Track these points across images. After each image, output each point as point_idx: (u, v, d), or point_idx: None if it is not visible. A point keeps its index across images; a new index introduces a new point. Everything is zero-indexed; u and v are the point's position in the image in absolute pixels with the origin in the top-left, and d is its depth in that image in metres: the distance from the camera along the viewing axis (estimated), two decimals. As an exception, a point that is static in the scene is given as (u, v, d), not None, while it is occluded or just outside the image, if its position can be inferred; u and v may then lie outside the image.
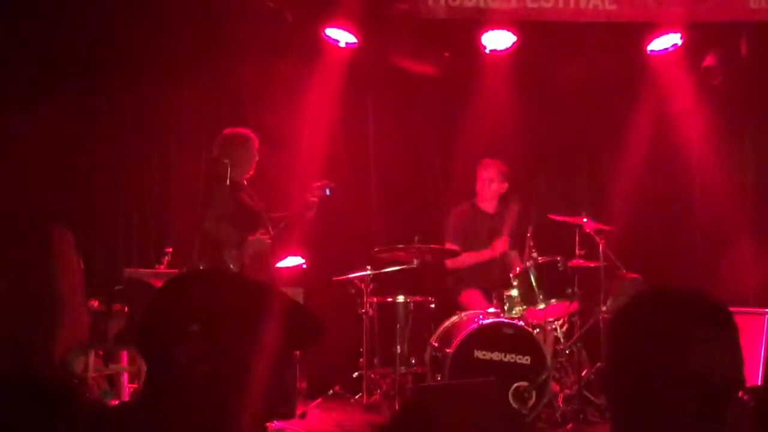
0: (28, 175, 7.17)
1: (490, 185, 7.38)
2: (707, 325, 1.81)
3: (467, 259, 7.24)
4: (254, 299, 2.01)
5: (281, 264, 6.90)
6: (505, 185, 7.43)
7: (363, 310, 6.98)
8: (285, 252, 6.74)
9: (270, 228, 6.14)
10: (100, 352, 6.66)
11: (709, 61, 7.87)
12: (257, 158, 6.24)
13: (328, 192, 6.25)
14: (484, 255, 7.21)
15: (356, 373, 7.12)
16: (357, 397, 7.11)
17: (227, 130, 6.23)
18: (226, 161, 5.98)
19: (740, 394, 1.84)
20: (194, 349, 1.90)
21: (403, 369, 6.82)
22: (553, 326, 6.84)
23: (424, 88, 8.43)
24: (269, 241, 6.05)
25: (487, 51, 8.03)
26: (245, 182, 6.20)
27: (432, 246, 7.05)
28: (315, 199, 6.23)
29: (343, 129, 8.15)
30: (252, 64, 7.85)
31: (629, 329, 1.86)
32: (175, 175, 7.78)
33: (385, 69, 8.26)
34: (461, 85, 8.33)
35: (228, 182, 5.97)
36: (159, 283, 6.81)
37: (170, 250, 6.89)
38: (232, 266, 5.89)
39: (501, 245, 7.19)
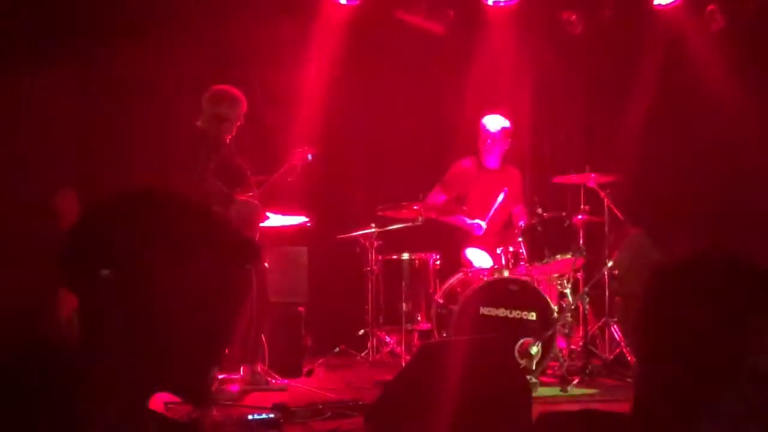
0: (31, 137, 7.16)
1: (494, 142, 7.30)
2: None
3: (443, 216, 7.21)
4: (181, 231, 1.67)
5: (284, 222, 6.89)
6: (509, 141, 7.36)
7: (368, 268, 6.98)
8: (266, 214, 6.72)
9: (253, 188, 6.07)
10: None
11: (711, 5, 7.84)
12: (241, 121, 6.15)
13: (309, 157, 6.20)
14: (466, 225, 7.17)
15: (362, 331, 7.13)
16: (363, 354, 7.13)
17: (216, 86, 6.15)
18: (210, 122, 5.94)
19: None
20: (105, 298, 1.59)
21: (408, 326, 6.84)
22: (559, 282, 6.84)
23: (427, 44, 8.36)
24: (257, 202, 5.99)
25: (490, 3, 7.97)
26: (228, 140, 6.11)
27: (437, 203, 7.04)
28: (297, 163, 6.19)
29: (346, 87, 8.08)
30: (253, 22, 7.79)
31: (671, 306, 1.59)
32: (178, 133, 7.73)
33: (387, 25, 8.20)
34: (464, 40, 8.27)
35: (210, 140, 5.93)
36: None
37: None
38: None
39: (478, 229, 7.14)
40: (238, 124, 6.14)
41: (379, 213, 6.97)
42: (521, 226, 6.67)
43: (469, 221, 7.13)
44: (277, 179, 6.24)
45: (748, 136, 7.96)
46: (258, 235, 6.02)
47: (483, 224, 7.10)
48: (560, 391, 6.00)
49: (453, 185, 7.31)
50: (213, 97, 6.07)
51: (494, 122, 7.28)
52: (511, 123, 7.35)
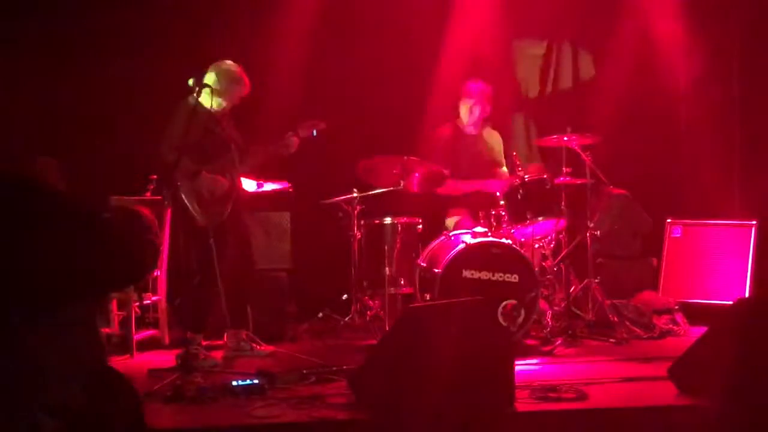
0: (11, 104, 7.10)
1: (475, 108, 7.26)
2: None
3: (459, 187, 7.17)
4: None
5: (265, 188, 6.87)
6: (490, 108, 7.33)
7: (351, 233, 6.97)
8: (263, 180, 6.72)
9: (237, 161, 6.04)
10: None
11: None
12: (237, 100, 6.11)
13: (314, 133, 6.17)
14: (475, 186, 7.15)
15: (345, 296, 7.13)
16: (346, 319, 7.13)
17: (223, 63, 6.11)
18: (199, 89, 5.90)
19: None
20: None
21: (392, 290, 6.83)
22: (541, 244, 6.86)
23: (408, 8, 8.31)
24: (226, 182, 5.95)
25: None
26: (219, 114, 6.06)
27: (418, 167, 7.00)
28: (296, 138, 6.16)
29: (325, 51, 8.03)
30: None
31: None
32: (160, 102, 7.68)
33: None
34: (445, 3, 8.22)
35: (196, 111, 5.90)
36: (146, 211, 6.79)
37: (155, 177, 6.84)
38: (185, 198, 5.81)
39: (496, 186, 7.07)
40: (236, 102, 6.12)
41: (360, 173, 6.93)
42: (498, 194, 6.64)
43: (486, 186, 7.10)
44: (271, 152, 6.21)
45: (727, 96, 7.99)
46: (230, 209, 6.00)
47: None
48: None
49: (437, 156, 7.26)
50: (218, 71, 6.04)
51: (478, 85, 7.26)
52: (492, 85, 7.33)
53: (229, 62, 6.13)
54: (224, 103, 6.09)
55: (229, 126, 6.16)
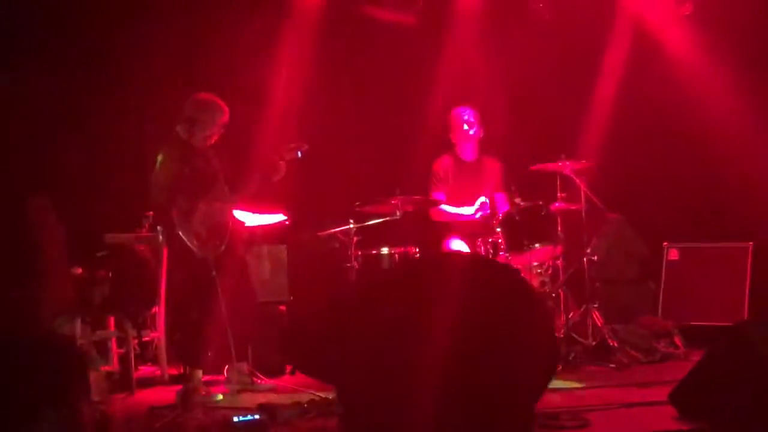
0: (3, 144, 7.11)
1: (468, 133, 7.31)
2: None
3: (452, 213, 7.21)
4: None
5: (262, 221, 6.87)
6: (482, 131, 7.37)
7: (348, 264, 6.96)
8: (255, 210, 6.72)
9: (227, 193, 6.04)
10: (87, 319, 6.64)
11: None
12: (222, 130, 6.10)
13: (299, 154, 6.14)
14: (466, 213, 7.18)
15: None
16: (346, 350, 7.11)
17: (197, 94, 6.11)
18: (182, 126, 5.93)
19: None
20: None
21: (391, 320, 6.81)
22: (538, 271, 6.85)
23: (397, 38, 8.36)
24: (219, 215, 5.95)
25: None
26: (206, 147, 6.07)
27: (413, 197, 7.02)
28: (283, 162, 6.12)
29: (318, 83, 8.06)
30: (224, 20, 7.80)
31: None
32: (151, 137, 7.71)
33: (357, 19, 8.19)
34: (434, 33, 8.26)
35: (181, 146, 5.92)
36: (141, 247, 6.79)
37: (151, 213, 6.85)
38: (182, 234, 5.78)
39: (484, 208, 7.10)
40: (219, 132, 6.11)
41: (357, 209, 6.95)
42: (500, 216, 6.67)
43: (468, 210, 7.16)
44: (258, 180, 6.19)
45: (719, 118, 7.97)
46: (228, 240, 5.99)
47: (479, 202, 7.13)
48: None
49: (442, 184, 7.32)
50: (193, 104, 6.04)
51: (465, 110, 7.31)
52: (483, 114, 7.37)
53: (204, 93, 6.13)
54: (207, 136, 6.07)
55: (215, 158, 6.16)
